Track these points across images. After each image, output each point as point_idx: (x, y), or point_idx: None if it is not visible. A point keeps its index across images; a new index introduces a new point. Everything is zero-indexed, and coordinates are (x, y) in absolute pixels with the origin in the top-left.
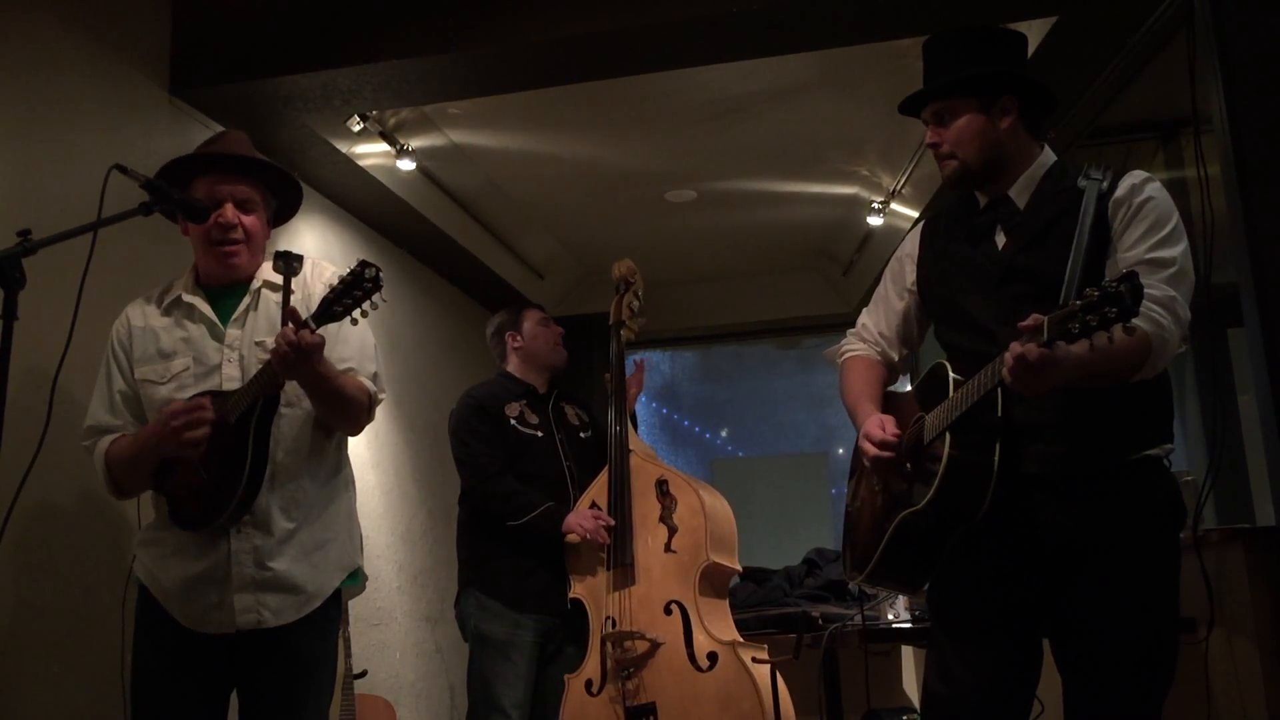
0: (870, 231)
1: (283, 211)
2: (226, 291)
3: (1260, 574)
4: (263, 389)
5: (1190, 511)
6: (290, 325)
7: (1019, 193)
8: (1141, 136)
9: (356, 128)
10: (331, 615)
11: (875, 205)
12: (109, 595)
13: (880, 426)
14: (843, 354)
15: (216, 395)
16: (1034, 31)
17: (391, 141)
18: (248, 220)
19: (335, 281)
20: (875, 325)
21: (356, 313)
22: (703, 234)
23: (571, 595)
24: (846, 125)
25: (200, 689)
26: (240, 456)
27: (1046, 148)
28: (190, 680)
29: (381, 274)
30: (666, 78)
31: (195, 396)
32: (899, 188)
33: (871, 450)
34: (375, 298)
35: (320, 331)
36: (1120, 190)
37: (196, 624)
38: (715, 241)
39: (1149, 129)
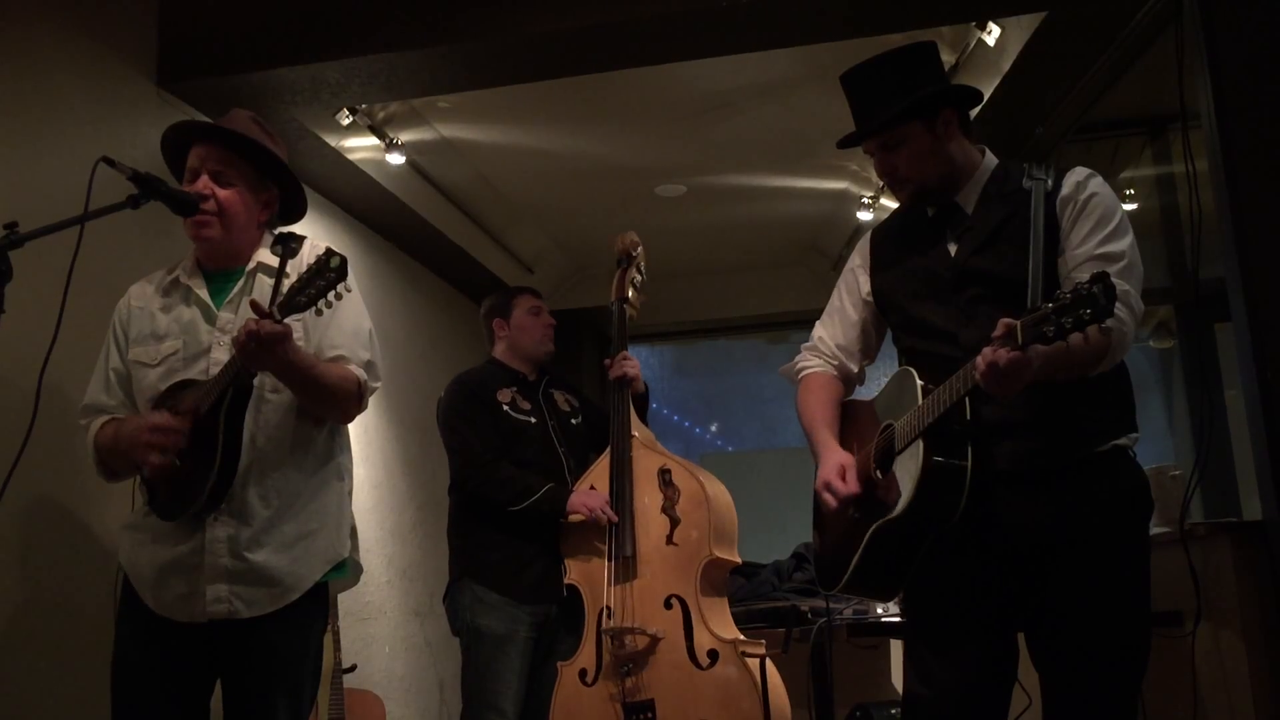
0: (860, 226)
1: (288, 206)
2: (225, 275)
3: (1247, 568)
4: (232, 379)
5: (1178, 506)
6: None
7: (965, 198)
8: (1130, 132)
9: (345, 121)
10: (312, 611)
11: (865, 200)
12: (97, 589)
13: (841, 477)
14: (799, 371)
15: (190, 385)
16: (1023, 26)
17: (381, 135)
18: (222, 194)
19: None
20: (832, 338)
21: (321, 303)
22: (692, 229)
23: (567, 581)
24: (836, 120)
25: (176, 677)
26: (212, 448)
27: (987, 151)
28: (166, 668)
29: (346, 262)
30: (656, 72)
31: (170, 387)
32: None
33: (826, 498)
34: (340, 287)
35: (313, 317)
36: (1065, 188)
37: (168, 611)
38: (704, 236)
39: (1137, 125)
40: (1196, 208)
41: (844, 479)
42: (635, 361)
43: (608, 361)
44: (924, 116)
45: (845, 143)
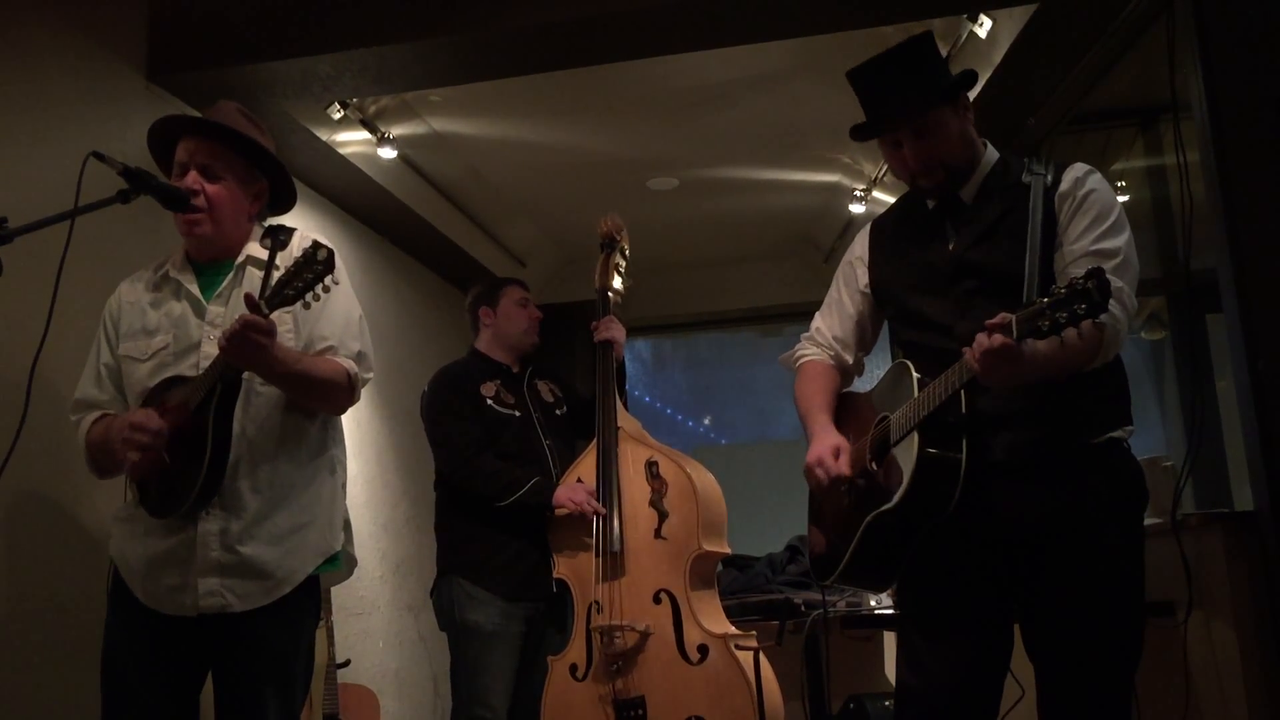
0: (852, 219)
1: (278, 197)
2: (215, 268)
3: (1238, 558)
4: (220, 375)
5: (1170, 497)
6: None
7: (966, 191)
8: (1121, 123)
9: (337, 115)
10: (305, 605)
11: (857, 193)
12: (88, 583)
13: (834, 454)
14: (797, 359)
15: (179, 381)
16: (1014, 18)
17: (372, 129)
18: (211, 189)
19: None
20: (829, 329)
21: (309, 296)
22: (685, 221)
23: (556, 575)
24: (828, 112)
25: (167, 669)
26: (202, 445)
27: (989, 145)
28: (156, 660)
29: (334, 254)
30: (648, 65)
31: (160, 383)
32: (881, 175)
33: (818, 474)
34: (327, 280)
35: (302, 310)
36: (1064, 184)
37: (158, 604)
38: (697, 229)
39: (1129, 116)
40: (1188, 199)
41: (836, 458)
42: (621, 327)
43: (594, 325)
44: (954, 102)
45: (871, 132)
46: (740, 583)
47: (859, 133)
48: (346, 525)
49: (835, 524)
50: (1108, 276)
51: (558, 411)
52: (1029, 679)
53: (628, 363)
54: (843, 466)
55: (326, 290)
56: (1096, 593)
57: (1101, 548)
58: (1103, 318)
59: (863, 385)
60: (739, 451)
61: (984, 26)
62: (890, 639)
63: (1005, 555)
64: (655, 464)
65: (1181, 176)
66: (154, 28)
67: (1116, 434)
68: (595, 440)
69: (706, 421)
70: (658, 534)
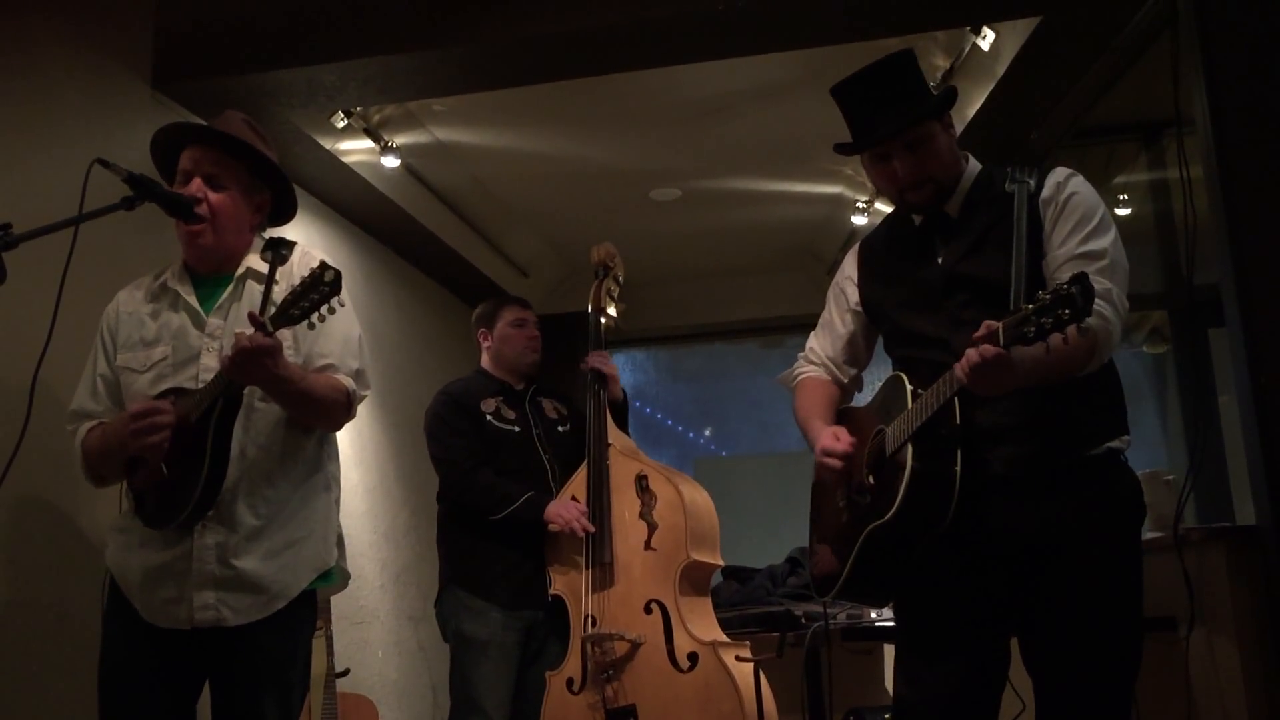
0: (854, 231)
1: (279, 209)
2: (214, 279)
3: (1240, 573)
4: (222, 389)
5: (1172, 511)
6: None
7: (952, 205)
8: (1124, 138)
9: (341, 124)
10: (301, 615)
11: (860, 205)
12: (88, 590)
13: (834, 438)
14: (794, 377)
15: (181, 393)
16: (1018, 31)
17: (376, 138)
18: (215, 198)
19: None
20: (822, 349)
21: (314, 316)
22: (687, 233)
23: (552, 592)
24: (831, 124)
25: (164, 678)
26: (200, 457)
27: (970, 158)
28: (153, 669)
29: (341, 276)
30: (652, 76)
31: (160, 395)
32: None
33: (829, 461)
34: (334, 301)
35: (303, 327)
36: (1046, 190)
37: (154, 617)
38: (699, 240)
39: (1132, 130)
40: (1191, 213)
41: (838, 439)
42: (612, 363)
43: (586, 361)
44: (941, 116)
45: (862, 145)
46: (741, 595)
47: (846, 147)
48: (340, 540)
49: (835, 539)
50: (1092, 280)
51: (560, 429)
52: (1030, 692)
53: (628, 372)
54: (846, 440)
55: (332, 311)
56: (1094, 606)
57: (1099, 561)
58: (1089, 321)
59: (860, 399)
60: (740, 463)
61: (987, 39)
62: (891, 652)
63: (1003, 569)
64: (645, 478)
65: (1184, 191)
66: (159, 37)
67: (1114, 444)
68: (586, 456)
69: (708, 433)
70: (647, 545)
